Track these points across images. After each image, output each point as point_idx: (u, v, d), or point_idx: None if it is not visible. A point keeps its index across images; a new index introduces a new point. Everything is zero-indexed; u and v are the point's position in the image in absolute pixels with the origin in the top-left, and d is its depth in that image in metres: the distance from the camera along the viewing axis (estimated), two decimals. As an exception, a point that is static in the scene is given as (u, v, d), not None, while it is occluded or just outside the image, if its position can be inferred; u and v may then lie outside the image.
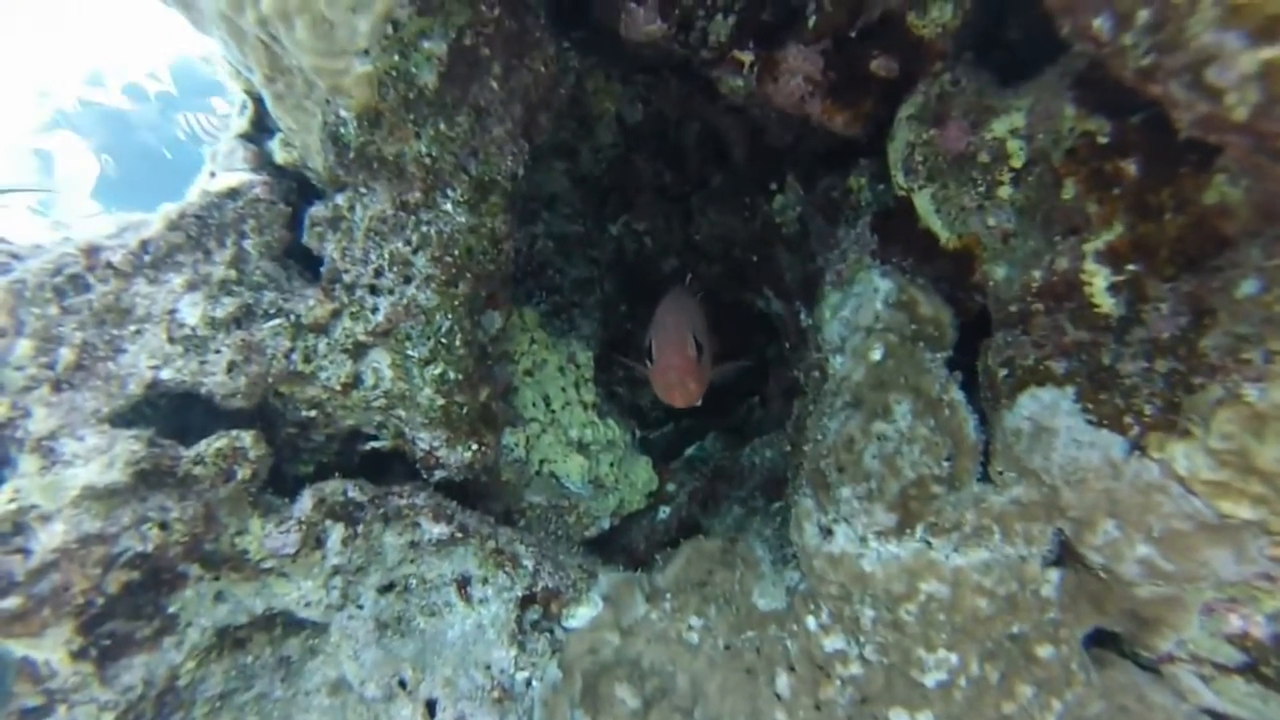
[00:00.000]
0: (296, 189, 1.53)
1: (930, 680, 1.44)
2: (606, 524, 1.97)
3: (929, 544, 1.42)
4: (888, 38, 1.59)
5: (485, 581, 1.65)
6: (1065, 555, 1.40)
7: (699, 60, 1.81)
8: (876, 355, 1.51)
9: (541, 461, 1.85)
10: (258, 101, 1.59)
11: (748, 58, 1.74)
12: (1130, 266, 1.23)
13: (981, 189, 1.48)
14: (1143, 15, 0.76)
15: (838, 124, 1.76)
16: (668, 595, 1.80)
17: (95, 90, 8.01)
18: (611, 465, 1.97)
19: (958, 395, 1.46)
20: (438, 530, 1.60)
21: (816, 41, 1.65)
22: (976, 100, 1.48)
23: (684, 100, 2.36)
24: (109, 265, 1.27)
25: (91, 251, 1.27)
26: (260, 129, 1.61)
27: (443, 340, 1.41)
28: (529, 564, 1.67)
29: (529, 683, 1.66)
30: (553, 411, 1.85)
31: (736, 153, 2.42)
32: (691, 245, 2.59)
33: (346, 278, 1.40)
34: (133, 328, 1.29)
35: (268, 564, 1.39)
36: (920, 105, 1.57)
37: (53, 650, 1.16)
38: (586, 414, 1.91)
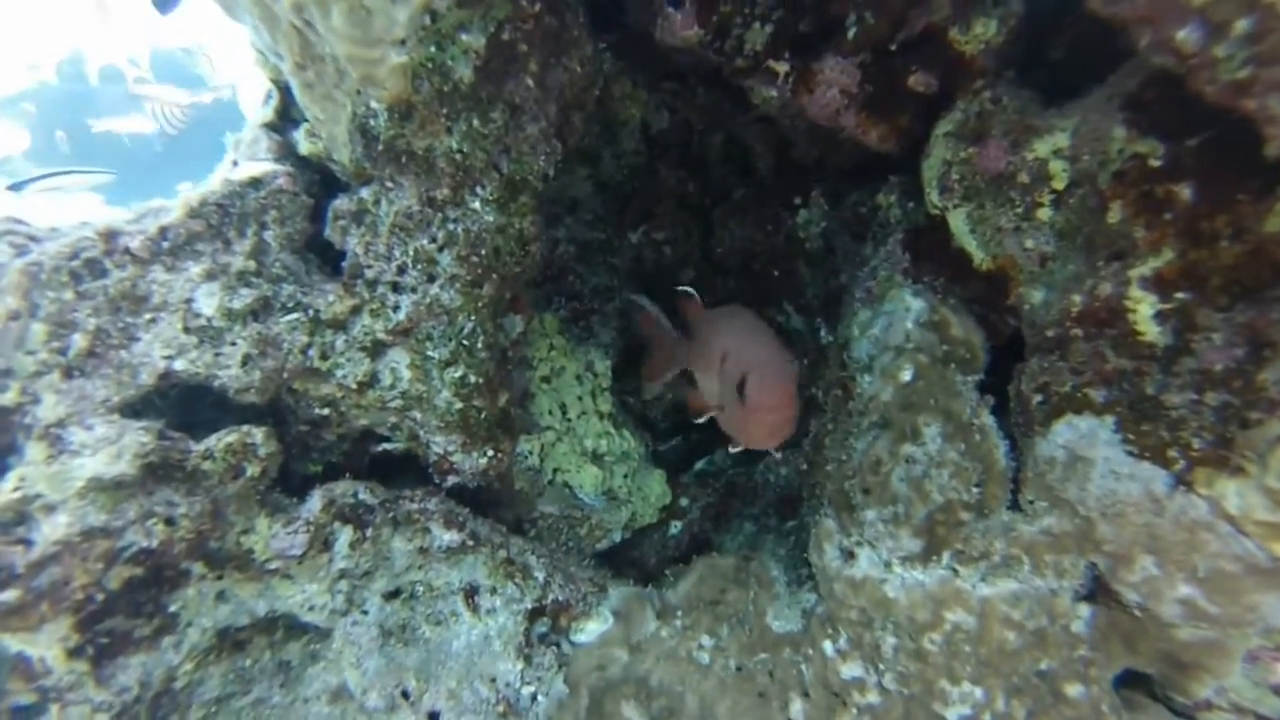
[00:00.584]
0: (320, 182, 1.50)
1: (953, 714, 1.39)
2: (618, 537, 1.93)
3: (956, 572, 1.37)
4: (928, 52, 1.56)
5: (494, 592, 1.60)
6: (1098, 591, 1.35)
7: (732, 69, 1.78)
8: (906, 376, 1.47)
9: (555, 471, 1.81)
10: (284, 91, 1.56)
11: (783, 68, 1.72)
12: (1179, 294, 1.19)
13: (1020, 210, 1.45)
14: (1241, 25, 0.72)
15: (872, 139, 1.73)
16: (679, 612, 1.75)
17: (72, 67, 7.94)
18: (625, 477, 1.93)
19: (989, 420, 1.42)
20: (448, 537, 1.55)
21: (855, 54, 1.62)
22: (1018, 119, 1.45)
23: (711, 110, 2.34)
24: (127, 251, 1.24)
25: (110, 236, 1.24)
26: (285, 119, 1.59)
27: (464, 342, 1.38)
28: (539, 575, 1.62)
29: (534, 698, 1.61)
30: (569, 420, 1.81)
31: (762, 165, 2.40)
32: (710, 257, 2.55)
33: (369, 274, 1.36)
34: (148, 316, 1.25)
35: (273, 565, 1.35)
36: (959, 122, 1.54)
37: (48, 647, 1.12)
38: (602, 424, 1.87)
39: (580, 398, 1.85)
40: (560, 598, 1.66)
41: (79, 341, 1.19)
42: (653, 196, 2.54)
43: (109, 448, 1.13)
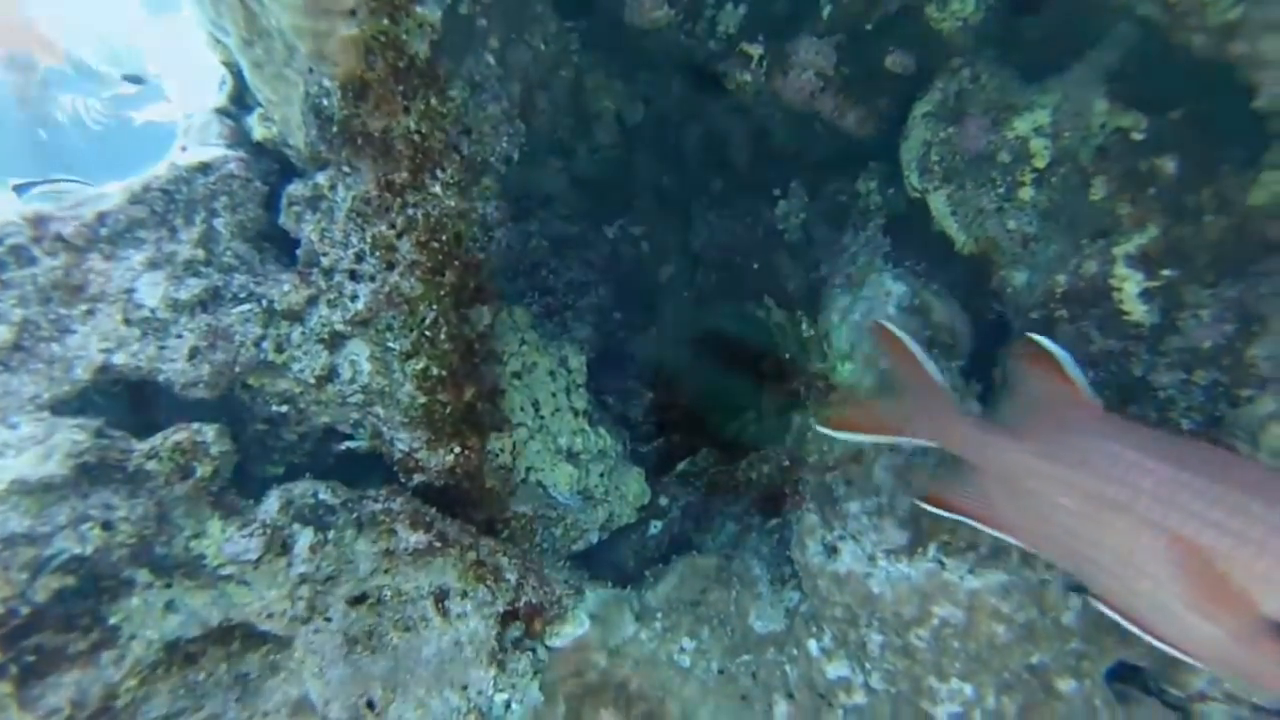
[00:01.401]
0: (275, 168, 1.43)
1: (942, 712, 1.33)
2: (595, 537, 1.86)
3: (942, 564, 1.32)
4: (905, 31, 1.53)
5: (465, 595, 1.53)
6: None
7: (705, 53, 1.73)
8: (888, 362, 1.43)
9: (528, 469, 1.74)
10: (237, 76, 1.49)
11: (757, 51, 1.67)
12: (1165, 271, 1.15)
13: (1001, 190, 1.41)
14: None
15: (849, 122, 1.69)
16: (659, 614, 1.69)
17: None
18: (602, 476, 1.87)
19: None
20: (415, 539, 1.48)
21: (830, 34, 1.58)
22: (998, 97, 1.42)
23: (686, 101, 2.29)
24: (59, 238, 1.16)
25: (39, 222, 1.16)
26: (239, 105, 1.52)
27: (426, 333, 1.31)
28: (512, 578, 1.55)
29: (508, 705, 1.54)
30: (541, 417, 1.75)
31: (739, 157, 2.35)
32: (689, 251, 2.50)
33: (325, 261, 1.29)
34: (83, 307, 1.18)
35: (227, 570, 1.27)
36: (938, 102, 1.50)
37: (-30, 665, 1.03)
38: (577, 421, 1.81)
39: (554, 394, 1.79)
40: (534, 600, 1.59)
41: (3, 334, 1.11)
42: (630, 190, 2.49)
43: (36, 448, 1.05)
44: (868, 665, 1.40)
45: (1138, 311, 1.18)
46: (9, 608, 1.00)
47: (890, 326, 1.13)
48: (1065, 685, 1.29)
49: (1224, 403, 1.05)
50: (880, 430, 1.19)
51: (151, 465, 1.18)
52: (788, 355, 2.27)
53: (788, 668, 1.53)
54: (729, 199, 2.40)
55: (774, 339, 2.50)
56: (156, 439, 1.21)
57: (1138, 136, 1.16)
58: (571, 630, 1.61)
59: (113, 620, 1.19)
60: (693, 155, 2.47)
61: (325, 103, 1.23)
